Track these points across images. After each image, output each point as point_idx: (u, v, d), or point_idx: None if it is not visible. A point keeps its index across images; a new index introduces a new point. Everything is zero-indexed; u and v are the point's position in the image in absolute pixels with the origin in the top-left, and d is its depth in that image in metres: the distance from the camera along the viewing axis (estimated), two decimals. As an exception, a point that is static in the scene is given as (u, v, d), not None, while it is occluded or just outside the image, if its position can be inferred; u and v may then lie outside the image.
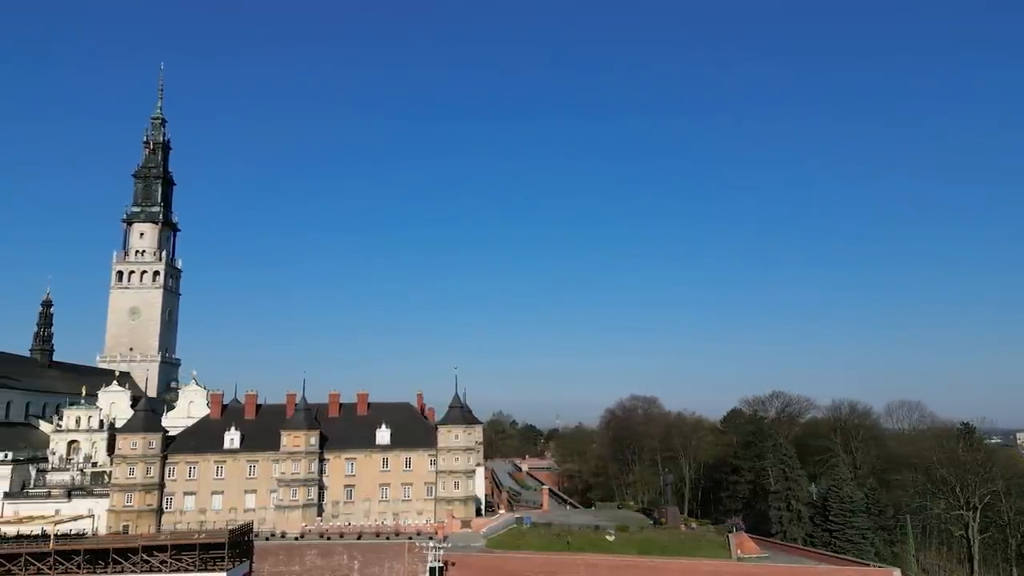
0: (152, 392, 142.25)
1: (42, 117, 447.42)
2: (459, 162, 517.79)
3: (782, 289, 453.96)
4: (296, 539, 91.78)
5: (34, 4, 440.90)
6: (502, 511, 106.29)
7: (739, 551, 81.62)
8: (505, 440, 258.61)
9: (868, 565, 78.00)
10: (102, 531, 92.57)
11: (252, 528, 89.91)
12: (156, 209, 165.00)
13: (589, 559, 79.38)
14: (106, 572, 78.57)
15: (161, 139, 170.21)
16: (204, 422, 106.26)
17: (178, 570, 79.00)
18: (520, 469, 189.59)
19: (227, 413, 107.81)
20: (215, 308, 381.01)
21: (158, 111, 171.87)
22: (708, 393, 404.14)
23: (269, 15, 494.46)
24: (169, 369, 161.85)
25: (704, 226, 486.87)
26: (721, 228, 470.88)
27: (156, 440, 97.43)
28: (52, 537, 79.55)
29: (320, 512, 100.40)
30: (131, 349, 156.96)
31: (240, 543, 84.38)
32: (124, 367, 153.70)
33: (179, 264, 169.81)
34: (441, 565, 75.47)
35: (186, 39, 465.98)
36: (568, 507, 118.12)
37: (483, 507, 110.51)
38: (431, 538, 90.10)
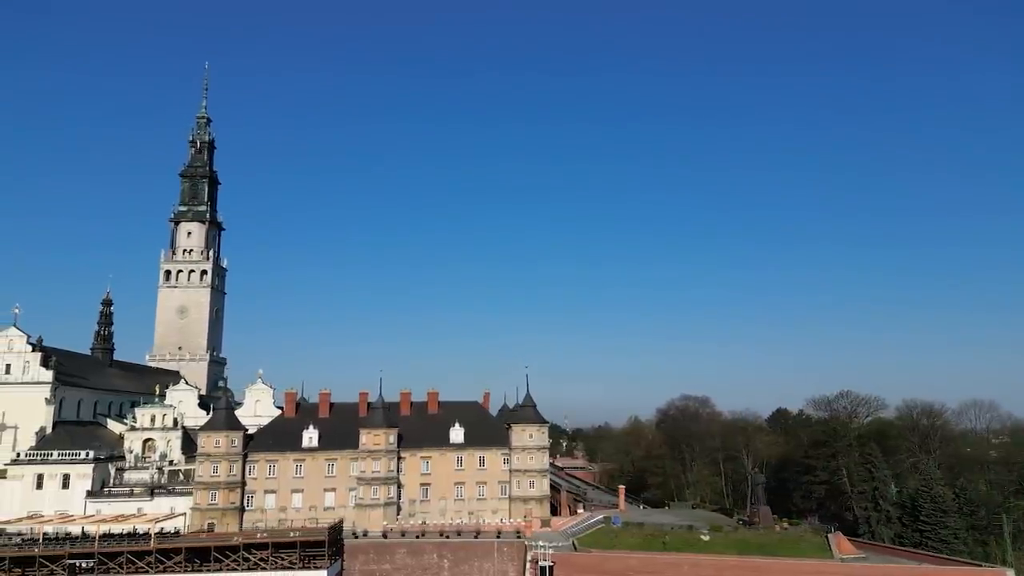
0: (201, 390, 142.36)
1: (88, 114, 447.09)
2: (495, 162, 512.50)
3: (806, 287, 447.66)
4: (383, 537, 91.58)
5: (77, 4, 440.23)
6: (581, 511, 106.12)
7: (838, 551, 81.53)
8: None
9: (980, 565, 77.72)
10: (184, 529, 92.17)
11: (342, 526, 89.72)
12: (203, 208, 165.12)
13: (692, 559, 79.18)
14: (204, 571, 78.35)
15: (206, 138, 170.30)
16: (280, 420, 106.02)
17: (279, 568, 78.84)
18: (561, 468, 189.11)
19: (301, 412, 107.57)
20: (251, 308, 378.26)
21: (203, 110, 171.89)
22: (727, 394, 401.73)
23: (306, 16, 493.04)
24: (216, 368, 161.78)
25: (712, 223, 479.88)
26: (728, 226, 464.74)
27: (238, 438, 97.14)
28: (152, 535, 79.25)
29: (398, 511, 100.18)
30: (180, 348, 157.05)
31: (335, 541, 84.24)
32: (173, 366, 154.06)
33: (224, 263, 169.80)
34: (552, 564, 75.25)
35: (229, 39, 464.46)
36: (642, 507, 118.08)
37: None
38: (518, 535, 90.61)
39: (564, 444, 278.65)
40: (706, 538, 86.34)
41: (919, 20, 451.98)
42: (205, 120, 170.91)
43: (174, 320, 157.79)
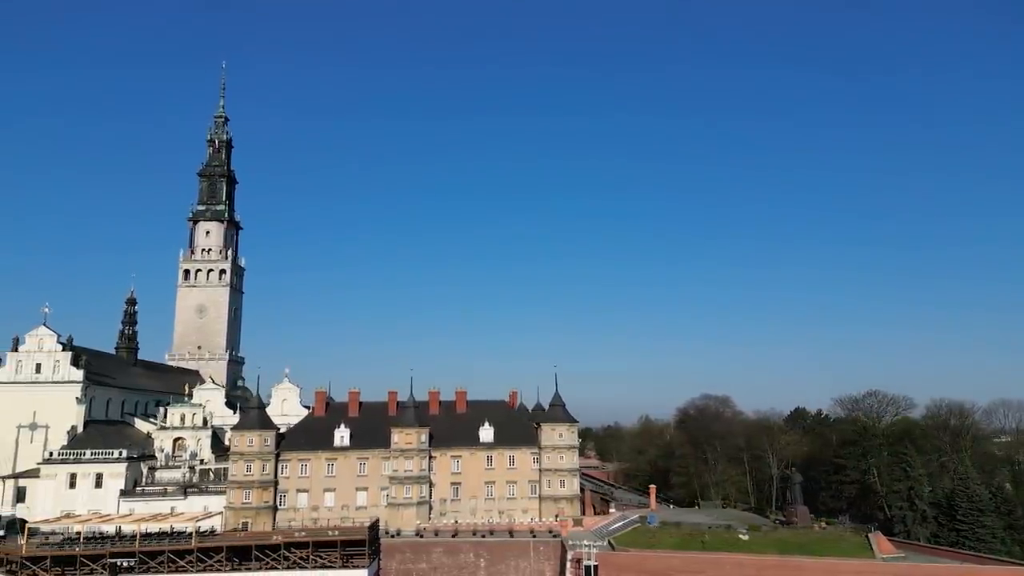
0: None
1: (104, 115, 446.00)
2: (507, 161, 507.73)
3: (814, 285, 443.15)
4: (418, 536, 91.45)
5: (90, 4, 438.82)
6: (613, 510, 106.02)
7: (879, 551, 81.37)
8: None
9: (1026, 566, 77.86)
10: (220, 528, 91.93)
11: (378, 525, 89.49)
12: (221, 207, 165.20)
13: (734, 558, 78.93)
14: (244, 569, 78.01)
15: (224, 137, 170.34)
16: (311, 420, 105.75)
17: (319, 566, 78.60)
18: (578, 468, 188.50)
19: (331, 410, 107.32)
20: (268, 307, 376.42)
21: (220, 109, 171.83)
22: (736, 393, 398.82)
23: (326, 15, 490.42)
24: (235, 367, 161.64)
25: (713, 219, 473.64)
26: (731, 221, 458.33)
27: (271, 437, 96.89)
28: (194, 534, 79.02)
29: (430, 510, 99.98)
30: (199, 347, 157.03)
31: (374, 540, 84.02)
32: (193, 365, 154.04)
33: (242, 262, 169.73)
34: (597, 564, 75.06)
35: (246, 37, 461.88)
36: (670, 506, 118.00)
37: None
38: (552, 534, 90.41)
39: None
40: (745, 537, 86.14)
41: (922, 16, 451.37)
42: (223, 119, 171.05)
43: (193, 319, 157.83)
